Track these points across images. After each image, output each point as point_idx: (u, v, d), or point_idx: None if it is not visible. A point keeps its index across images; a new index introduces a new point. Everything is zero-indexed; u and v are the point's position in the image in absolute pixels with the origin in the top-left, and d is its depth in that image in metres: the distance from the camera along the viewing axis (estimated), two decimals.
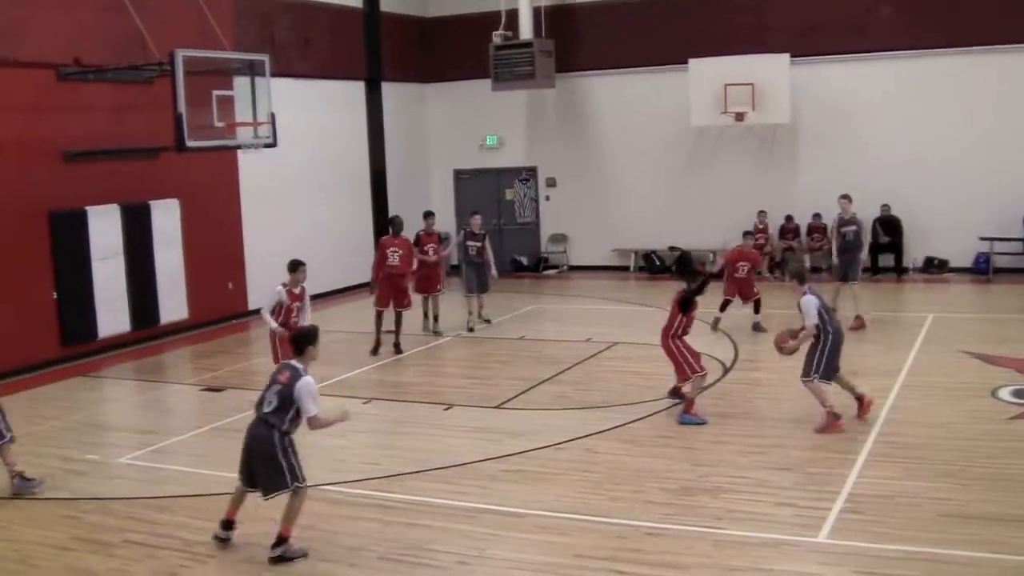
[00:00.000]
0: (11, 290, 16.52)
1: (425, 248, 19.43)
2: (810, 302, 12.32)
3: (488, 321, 20.26)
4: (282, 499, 9.30)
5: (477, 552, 9.28)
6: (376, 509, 10.47)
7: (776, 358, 13.27)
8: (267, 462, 9.21)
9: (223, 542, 9.62)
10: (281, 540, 9.28)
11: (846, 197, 19.39)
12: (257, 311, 21.61)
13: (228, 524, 9.66)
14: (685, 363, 13.12)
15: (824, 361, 12.34)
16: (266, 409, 9.26)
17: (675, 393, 13.80)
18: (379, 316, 18.36)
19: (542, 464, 11.64)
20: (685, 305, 13.03)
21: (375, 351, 18.11)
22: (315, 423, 9.33)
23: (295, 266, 14.52)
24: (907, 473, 10.70)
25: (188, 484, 11.53)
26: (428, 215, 20.21)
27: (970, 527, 9.24)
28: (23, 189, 17.48)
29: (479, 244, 20.02)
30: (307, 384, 9.22)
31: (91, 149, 18.45)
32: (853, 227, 19.16)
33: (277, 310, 14.45)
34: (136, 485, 11.64)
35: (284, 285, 14.51)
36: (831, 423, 12.19)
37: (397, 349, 18.21)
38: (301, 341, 9.53)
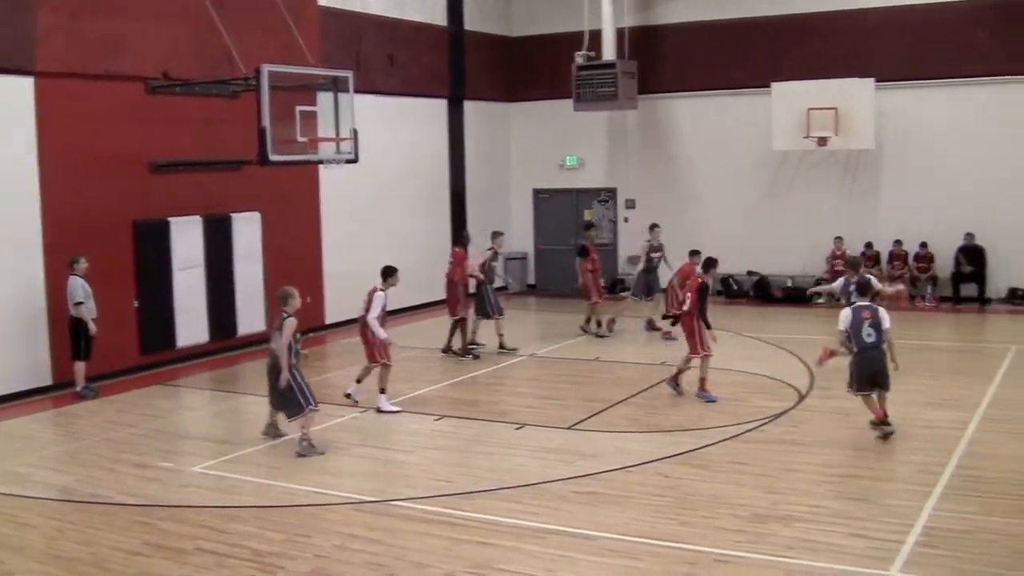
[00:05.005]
0: (95, 297, 16.76)
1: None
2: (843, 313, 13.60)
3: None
4: None
5: (546, 573, 9.22)
6: (446, 526, 10.45)
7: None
8: (886, 370, 12.82)
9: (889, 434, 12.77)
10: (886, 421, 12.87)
11: (657, 225, 22.09)
12: (335, 325, 22.14)
13: (886, 421, 12.90)
14: (700, 341, 15.49)
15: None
16: (873, 340, 12.71)
17: (675, 383, 15.88)
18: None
19: (613, 487, 11.57)
20: (704, 291, 15.73)
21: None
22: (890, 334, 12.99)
23: (392, 271, 15.52)
24: (985, 508, 10.46)
25: (260, 495, 11.64)
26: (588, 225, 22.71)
27: None
28: (110, 199, 17.84)
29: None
30: (885, 312, 12.90)
31: (176, 161, 18.77)
32: (659, 254, 21.72)
33: (381, 315, 15.27)
34: (209, 494, 11.76)
35: (382, 290, 15.29)
36: None
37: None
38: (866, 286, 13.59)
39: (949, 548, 9.43)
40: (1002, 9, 23.32)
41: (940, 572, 8.92)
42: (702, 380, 15.52)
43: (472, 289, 19.86)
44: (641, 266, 21.83)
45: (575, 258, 21.59)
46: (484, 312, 19.68)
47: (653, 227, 22.06)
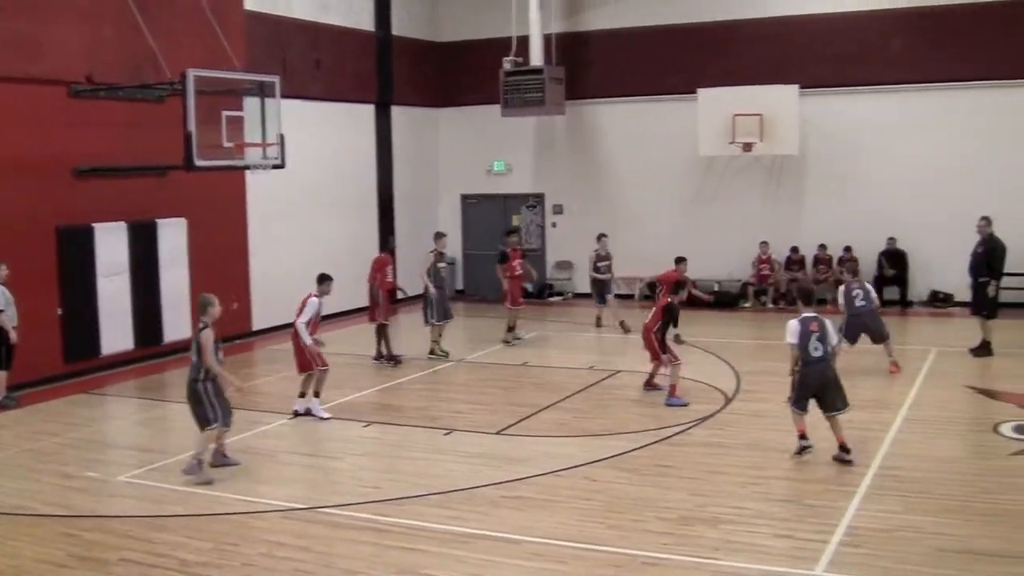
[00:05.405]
0: (17, 304, 16.48)
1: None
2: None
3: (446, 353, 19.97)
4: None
5: None
6: (373, 533, 10.45)
7: (779, 389, 13.29)
8: (838, 386, 12.32)
9: (807, 449, 12.38)
10: (845, 447, 12.19)
11: (605, 235, 22.81)
12: (262, 331, 22.01)
13: (804, 436, 12.44)
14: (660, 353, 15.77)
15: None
16: (820, 353, 12.15)
17: (649, 385, 16.31)
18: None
19: (541, 491, 11.62)
20: (671, 311, 15.82)
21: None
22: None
23: (326, 278, 15.45)
24: (907, 507, 10.67)
25: (187, 504, 11.53)
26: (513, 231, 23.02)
27: (969, 563, 9.21)
28: (32, 204, 17.56)
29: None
30: (830, 322, 12.51)
31: (100, 166, 18.53)
32: (607, 262, 22.48)
33: (312, 322, 15.07)
34: (135, 504, 11.65)
35: (317, 296, 15.16)
36: None
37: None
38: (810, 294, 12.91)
39: (873, 547, 9.59)
40: (923, 17, 23.79)
41: (864, 571, 9.08)
42: (672, 386, 15.63)
43: (401, 295, 19.99)
44: (592, 274, 22.34)
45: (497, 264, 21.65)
46: (424, 317, 19.69)
47: (601, 237, 22.49)
